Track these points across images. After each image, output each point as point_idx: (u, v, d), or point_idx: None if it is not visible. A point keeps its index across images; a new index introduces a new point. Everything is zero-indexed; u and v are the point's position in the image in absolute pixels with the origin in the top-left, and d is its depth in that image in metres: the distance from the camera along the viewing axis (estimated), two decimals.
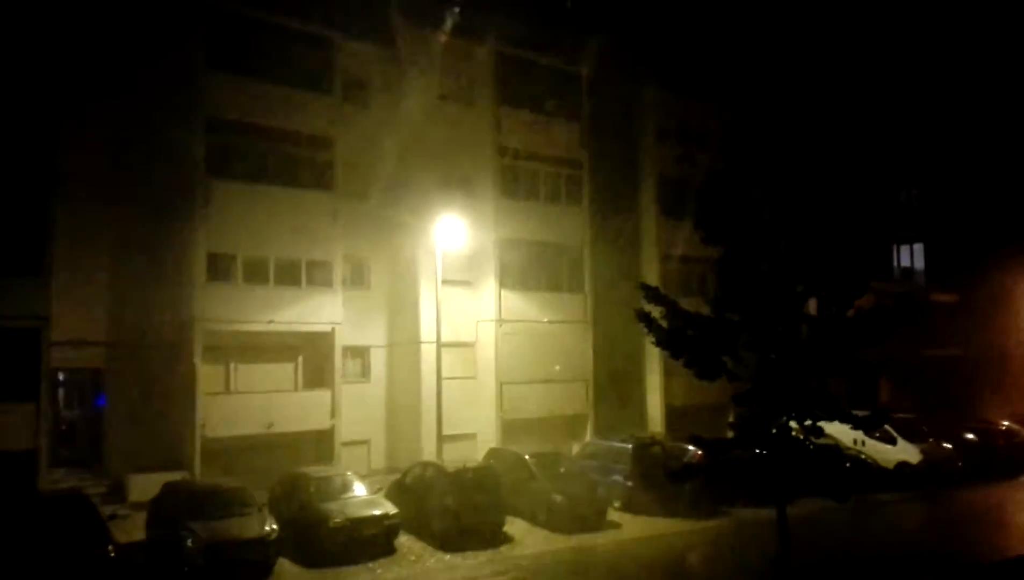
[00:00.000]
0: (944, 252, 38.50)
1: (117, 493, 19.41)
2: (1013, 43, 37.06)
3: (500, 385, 25.19)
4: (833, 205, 14.93)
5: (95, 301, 21.01)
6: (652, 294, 13.12)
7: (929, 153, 37.93)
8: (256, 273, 21.71)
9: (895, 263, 38.23)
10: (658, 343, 12.99)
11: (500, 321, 25.45)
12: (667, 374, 29.03)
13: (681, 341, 12.77)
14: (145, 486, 18.33)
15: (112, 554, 13.80)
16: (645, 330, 13.00)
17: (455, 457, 20.83)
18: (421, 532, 17.27)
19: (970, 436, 26.22)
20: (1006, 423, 28.27)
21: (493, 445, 23.27)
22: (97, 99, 21.06)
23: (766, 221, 13.38)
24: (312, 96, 22.86)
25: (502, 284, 25.60)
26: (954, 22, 37.05)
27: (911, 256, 39.16)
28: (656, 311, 13.02)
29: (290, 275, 22.15)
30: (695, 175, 30.79)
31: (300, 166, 22.59)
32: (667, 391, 29.14)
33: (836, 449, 21.82)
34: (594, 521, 18.55)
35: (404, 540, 16.90)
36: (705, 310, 13.17)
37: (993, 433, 27.09)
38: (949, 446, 24.80)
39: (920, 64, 37.22)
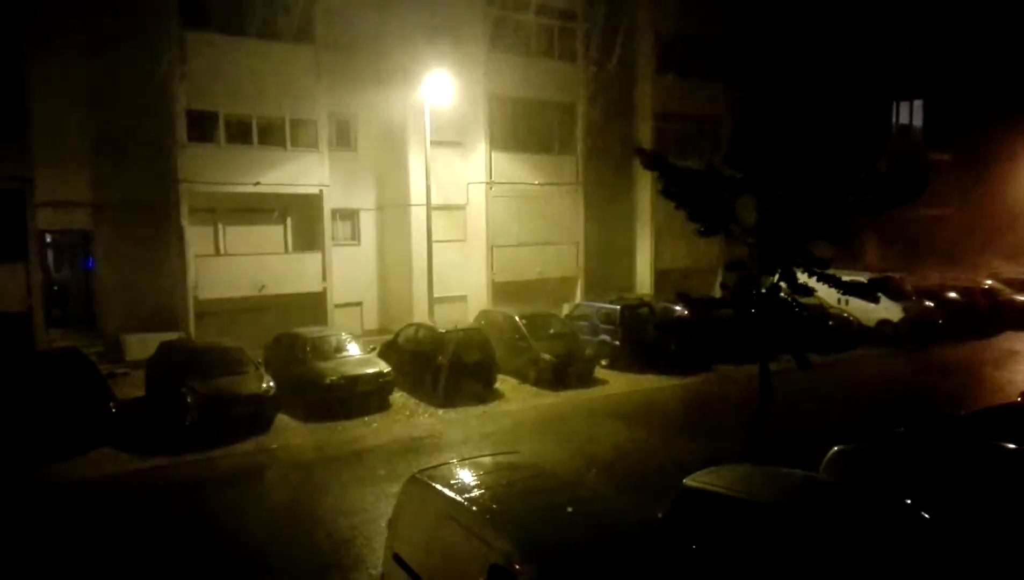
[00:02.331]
0: (944, 109, 37.64)
1: (114, 352, 19.83)
2: None
3: (491, 248, 25.26)
4: (835, 60, 14.33)
5: (78, 162, 20.62)
6: (649, 159, 12.77)
7: (934, 5, 36.25)
8: (239, 133, 21.17)
9: (893, 120, 37.48)
10: (665, 193, 12.75)
11: (491, 183, 25.17)
12: (657, 237, 29.13)
13: (689, 195, 12.56)
14: (142, 345, 18.71)
15: (114, 409, 14.30)
16: (659, 178, 12.70)
17: (446, 318, 21.20)
18: (414, 390, 17.82)
19: (953, 295, 26.69)
20: (988, 282, 28.71)
21: (484, 307, 23.62)
22: None
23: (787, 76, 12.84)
24: None
25: (492, 145, 25.10)
26: None
27: (910, 113, 38.33)
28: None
29: (274, 135, 21.62)
30: (698, 29, 29.51)
31: (279, 16, 21.48)
32: (657, 254, 29.33)
33: (820, 308, 22.36)
34: (582, 378, 19.15)
35: (398, 397, 17.48)
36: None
37: (976, 292, 27.57)
38: (931, 305, 25.30)
39: None
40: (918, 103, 38.21)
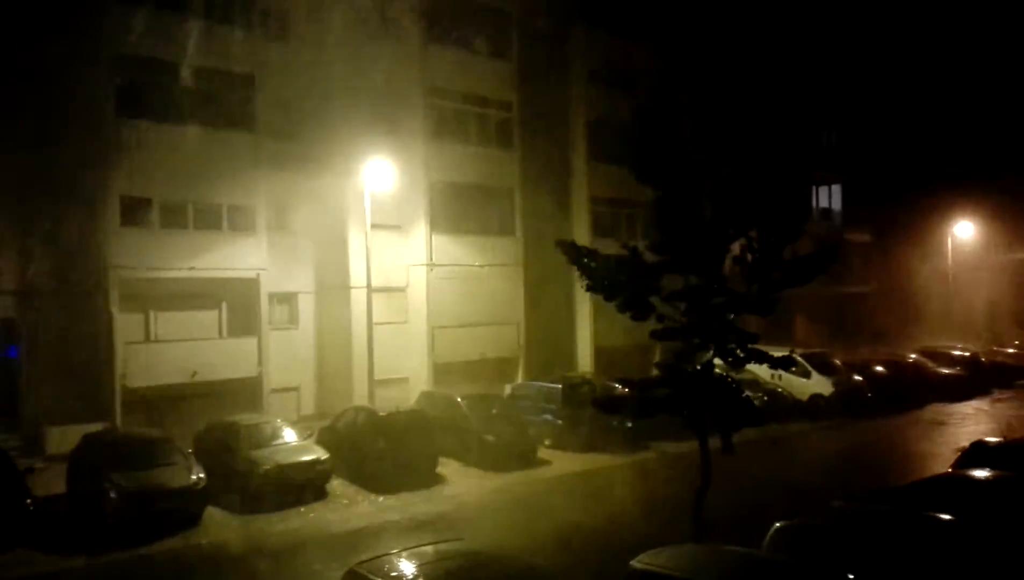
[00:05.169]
0: (861, 193, 39.96)
1: (35, 446, 18.80)
2: None
3: (432, 329, 25.18)
4: (759, 147, 15.12)
5: (5, 249, 19.97)
6: (570, 249, 13.07)
7: (849, 96, 38.96)
8: (174, 218, 20.94)
9: (815, 204, 39.52)
10: (590, 288, 13.06)
11: (431, 265, 25.30)
12: (597, 316, 29.50)
13: (613, 285, 12.85)
14: (64, 438, 17.78)
15: (31, 507, 13.46)
16: (580, 276, 13.02)
17: (387, 401, 20.86)
18: (354, 476, 17.31)
19: (880, 369, 27.65)
20: (914, 356, 29.90)
21: (425, 388, 23.37)
22: None
23: (698, 162, 13.45)
24: (229, 30, 21.82)
25: (433, 228, 25.35)
26: None
27: (829, 197, 40.55)
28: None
29: (211, 219, 21.44)
30: (625, 118, 30.90)
31: (218, 105, 21.66)
32: (597, 333, 29.64)
33: (755, 383, 22.87)
34: (525, 459, 18.95)
35: (337, 484, 16.94)
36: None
37: (902, 366, 28.64)
38: (860, 379, 26.13)
39: (840, 8, 37.94)
40: (836, 187, 40.52)
